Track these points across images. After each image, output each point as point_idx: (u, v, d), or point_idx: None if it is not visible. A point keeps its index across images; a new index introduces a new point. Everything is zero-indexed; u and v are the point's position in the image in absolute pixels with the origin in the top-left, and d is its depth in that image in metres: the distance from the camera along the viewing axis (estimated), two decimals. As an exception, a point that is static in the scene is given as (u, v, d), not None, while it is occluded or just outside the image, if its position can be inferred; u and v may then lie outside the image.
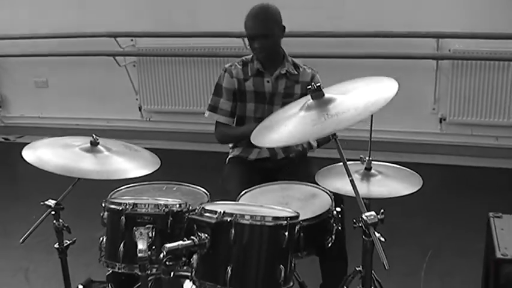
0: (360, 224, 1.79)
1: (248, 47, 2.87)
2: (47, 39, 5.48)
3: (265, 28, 2.68)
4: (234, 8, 4.91)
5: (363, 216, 1.72)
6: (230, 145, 3.02)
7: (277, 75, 2.82)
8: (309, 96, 1.90)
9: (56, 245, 2.32)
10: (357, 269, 2.23)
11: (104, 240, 2.07)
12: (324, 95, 1.87)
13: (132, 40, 5.44)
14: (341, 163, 1.82)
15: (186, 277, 2.00)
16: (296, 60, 2.89)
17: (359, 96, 1.88)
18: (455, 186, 4.47)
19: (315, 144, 2.76)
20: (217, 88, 2.91)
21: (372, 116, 2.02)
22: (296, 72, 2.84)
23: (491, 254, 2.11)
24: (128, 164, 2.30)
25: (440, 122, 4.94)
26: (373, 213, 1.72)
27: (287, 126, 1.88)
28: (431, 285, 3.07)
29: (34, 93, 5.94)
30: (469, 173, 4.71)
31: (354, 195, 1.79)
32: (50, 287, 3.13)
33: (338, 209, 2.27)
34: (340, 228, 2.32)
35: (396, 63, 4.56)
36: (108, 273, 2.46)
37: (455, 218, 3.81)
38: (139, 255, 1.76)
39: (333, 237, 2.27)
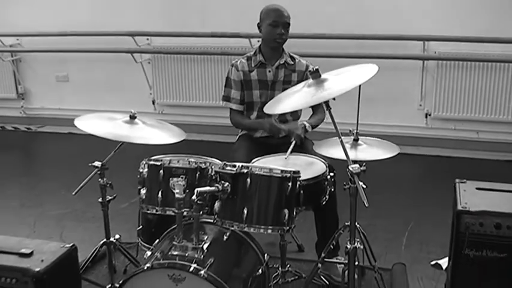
0: (348, 185, 2.33)
1: (254, 46, 3.39)
2: (69, 37, 5.95)
3: (288, 18, 3.28)
4: (240, 12, 5.50)
5: (349, 167, 2.22)
6: None
7: (277, 65, 3.35)
8: (309, 80, 2.42)
9: (100, 199, 2.83)
10: (346, 223, 2.77)
11: (144, 191, 2.57)
12: (320, 75, 2.39)
13: (147, 39, 5.94)
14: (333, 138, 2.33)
15: (210, 223, 2.50)
16: (292, 53, 3.42)
17: (347, 76, 2.40)
18: (439, 173, 4.95)
19: (309, 128, 3.27)
20: (227, 81, 3.44)
21: (359, 93, 2.56)
22: (292, 63, 3.38)
23: (455, 207, 2.62)
24: (160, 133, 2.82)
25: (426, 117, 5.44)
26: (357, 165, 2.22)
27: (294, 98, 2.40)
28: (411, 248, 3.57)
29: (55, 86, 6.42)
30: (451, 163, 5.22)
31: (345, 159, 2.30)
32: (84, 245, 3.63)
33: (331, 174, 2.80)
34: (332, 190, 2.85)
35: (386, 63, 4.94)
36: (138, 228, 2.99)
37: (436, 198, 4.28)
38: (177, 196, 2.26)
39: (327, 196, 2.80)
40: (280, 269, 2.98)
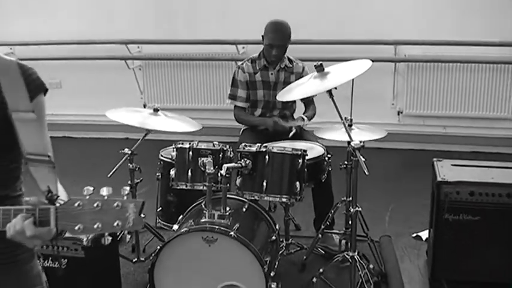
0: (345, 165, 2.80)
1: (241, 53, 3.80)
2: (64, 45, 6.29)
3: (282, 40, 3.65)
4: (227, 19, 5.93)
5: (352, 143, 2.69)
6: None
7: (278, 68, 3.78)
8: (314, 72, 2.89)
9: (129, 182, 3.23)
10: (342, 199, 3.24)
11: (173, 171, 2.98)
12: (324, 69, 2.86)
13: (138, 47, 6.33)
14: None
15: (230, 198, 2.92)
16: (290, 56, 3.87)
17: (345, 69, 2.87)
18: (412, 164, 5.47)
19: (306, 120, 3.72)
20: (234, 81, 3.84)
21: (352, 87, 3.03)
22: (291, 65, 3.82)
23: (435, 180, 3.11)
24: (180, 123, 3.25)
25: (398, 114, 5.96)
26: (358, 141, 2.69)
27: (303, 87, 2.87)
28: (394, 224, 4.05)
29: (48, 93, 6.71)
30: (422, 155, 5.74)
31: (342, 144, 2.77)
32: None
33: (329, 155, 3.26)
34: (330, 169, 3.32)
35: (362, 65, 5.55)
36: (158, 209, 3.39)
37: (412, 184, 4.79)
38: (208, 172, 2.68)
39: (326, 174, 3.26)
40: (284, 241, 3.42)
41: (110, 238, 1.40)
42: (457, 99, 5.77)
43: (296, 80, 3.71)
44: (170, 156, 3.12)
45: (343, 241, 3.47)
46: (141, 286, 3.23)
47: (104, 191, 1.30)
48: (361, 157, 2.66)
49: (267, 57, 3.73)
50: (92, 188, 1.30)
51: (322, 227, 3.38)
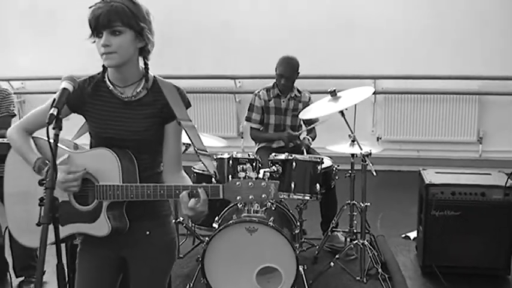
0: (349, 173, 3.52)
1: (238, 87, 4.54)
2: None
3: (289, 73, 4.34)
4: (225, 57, 6.65)
5: (362, 151, 3.40)
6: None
7: (289, 97, 4.48)
8: (329, 96, 3.62)
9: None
10: (347, 202, 3.93)
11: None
12: (336, 94, 3.59)
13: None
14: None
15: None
16: (298, 87, 4.58)
17: (352, 94, 3.61)
18: (392, 183, 6.23)
19: (311, 141, 4.43)
20: (250, 106, 4.51)
21: (355, 108, 3.76)
22: (299, 95, 4.52)
23: (422, 183, 3.84)
24: (206, 138, 3.91)
25: (377, 140, 6.75)
26: (367, 150, 3.40)
27: (321, 108, 3.59)
28: (385, 228, 4.75)
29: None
30: (399, 175, 6.52)
31: (348, 154, 3.50)
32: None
33: (337, 166, 3.96)
34: (337, 178, 4.02)
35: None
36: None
37: (394, 199, 5.54)
38: (251, 175, 3.32)
39: (334, 182, 3.96)
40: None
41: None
42: (429, 126, 6.61)
43: (303, 107, 4.39)
44: (202, 170, 3.78)
45: (348, 238, 4.15)
46: (188, 276, 3.82)
47: (253, 174, 1.95)
48: (370, 163, 3.37)
49: (278, 85, 4.42)
50: (243, 174, 1.93)
51: (332, 225, 4.05)
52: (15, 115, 3.63)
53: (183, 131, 2.09)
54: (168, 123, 2.07)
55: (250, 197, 1.89)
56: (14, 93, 7.09)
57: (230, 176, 3.58)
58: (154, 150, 2.10)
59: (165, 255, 2.18)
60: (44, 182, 1.78)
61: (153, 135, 2.06)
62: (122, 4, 1.92)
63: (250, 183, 1.88)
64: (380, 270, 3.57)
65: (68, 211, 2.01)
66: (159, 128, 2.06)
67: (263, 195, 1.88)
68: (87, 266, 2.14)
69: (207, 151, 2.09)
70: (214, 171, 2.06)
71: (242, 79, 6.74)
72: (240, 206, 3.51)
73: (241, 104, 6.77)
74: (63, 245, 2.18)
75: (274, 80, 4.47)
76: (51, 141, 1.73)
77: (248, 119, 4.52)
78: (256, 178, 1.92)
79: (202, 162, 2.09)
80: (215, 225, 3.53)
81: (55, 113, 1.75)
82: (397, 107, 6.65)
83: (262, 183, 1.88)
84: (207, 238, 3.32)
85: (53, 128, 1.75)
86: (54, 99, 1.83)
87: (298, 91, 4.52)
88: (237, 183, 1.89)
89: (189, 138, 2.05)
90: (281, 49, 4.50)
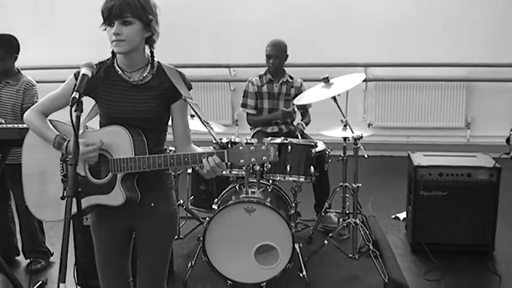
0: (341, 157, 3.70)
1: (232, 75, 4.80)
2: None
3: (277, 52, 4.53)
4: (220, 47, 6.81)
5: (353, 135, 3.58)
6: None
7: (281, 82, 4.66)
8: (322, 83, 3.79)
9: (172, 172, 4.02)
10: (340, 184, 4.12)
11: (220, 146, 3.79)
12: (329, 80, 3.76)
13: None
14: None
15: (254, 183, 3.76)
16: (290, 73, 4.75)
17: (344, 80, 3.79)
18: (383, 168, 6.43)
19: (304, 126, 4.61)
20: (245, 93, 4.68)
21: (347, 95, 3.94)
22: (291, 81, 4.70)
23: (411, 165, 4.04)
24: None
25: (369, 126, 6.92)
26: (359, 133, 3.58)
27: (315, 94, 3.77)
28: (376, 210, 4.94)
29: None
30: (390, 160, 6.72)
31: (340, 140, 3.69)
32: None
33: (329, 150, 4.15)
34: (330, 161, 4.20)
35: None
36: (191, 197, 4.19)
37: (384, 182, 5.75)
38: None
39: (327, 165, 4.15)
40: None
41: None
42: (419, 112, 6.81)
43: (295, 93, 4.57)
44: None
45: (341, 219, 4.34)
46: (188, 255, 4.01)
47: (255, 141, 2.13)
48: (362, 146, 3.56)
49: (268, 68, 4.59)
50: (245, 140, 2.12)
51: (325, 206, 4.24)
52: None
53: (188, 108, 2.31)
54: (174, 103, 2.28)
55: (252, 160, 2.09)
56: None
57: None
58: (159, 129, 2.30)
59: (169, 225, 2.39)
60: (67, 158, 1.95)
61: (159, 115, 2.26)
62: None
63: (251, 148, 2.08)
64: (371, 247, 3.76)
65: (85, 185, 2.20)
66: (164, 108, 2.27)
67: (263, 158, 2.08)
68: (103, 238, 2.33)
69: (209, 123, 2.29)
70: (220, 139, 2.22)
71: (236, 67, 6.90)
72: (237, 187, 3.70)
73: (235, 92, 6.94)
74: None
75: (267, 67, 4.64)
76: (76, 114, 1.94)
77: (244, 105, 4.68)
78: (256, 143, 2.14)
79: (209, 131, 2.28)
80: (214, 206, 3.71)
81: (77, 97, 1.93)
82: (387, 94, 6.85)
83: (263, 147, 2.08)
84: (207, 218, 3.50)
85: (75, 111, 1.92)
86: (75, 85, 2.00)
87: (290, 77, 4.68)
88: (240, 148, 2.10)
89: (195, 112, 2.27)
90: (274, 37, 4.67)
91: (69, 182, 1.85)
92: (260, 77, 4.68)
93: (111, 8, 2.09)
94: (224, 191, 3.87)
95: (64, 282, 1.73)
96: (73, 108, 1.94)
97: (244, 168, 3.58)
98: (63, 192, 1.88)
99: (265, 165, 3.61)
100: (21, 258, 4.01)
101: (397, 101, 6.87)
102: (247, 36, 6.73)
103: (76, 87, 1.99)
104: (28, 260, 3.89)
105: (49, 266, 3.95)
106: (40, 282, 3.63)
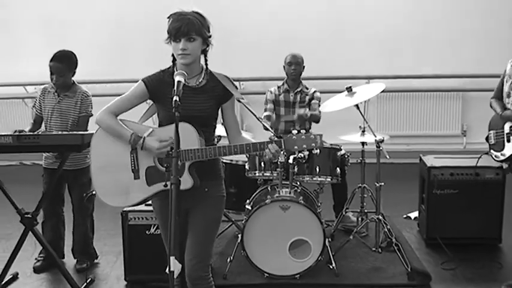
0: (360, 160, 4.08)
1: (242, 88, 5.33)
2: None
3: (297, 59, 4.89)
4: (229, 61, 7.14)
5: (376, 138, 3.96)
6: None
7: (296, 91, 5.01)
8: (345, 92, 4.17)
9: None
10: (359, 185, 4.48)
11: (248, 165, 4.13)
12: (352, 89, 4.14)
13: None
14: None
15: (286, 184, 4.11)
16: (305, 83, 5.11)
17: (365, 90, 4.17)
18: (387, 174, 6.67)
19: (308, 114, 4.90)
20: (265, 100, 5.04)
21: (366, 104, 4.31)
22: (306, 90, 5.06)
23: (424, 166, 4.42)
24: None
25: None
26: (381, 137, 3.96)
27: (338, 102, 4.14)
28: (387, 210, 5.26)
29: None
30: (392, 167, 7.06)
31: (357, 144, 4.09)
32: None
33: (348, 154, 4.51)
34: (349, 164, 4.56)
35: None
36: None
37: (391, 186, 6.03)
38: (281, 160, 3.85)
39: (347, 168, 4.51)
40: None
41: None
42: (417, 121, 7.26)
43: (309, 100, 4.90)
44: (230, 160, 4.31)
45: (360, 218, 4.70)
46: (222, 253, 4.31)
47: (304, 131, 2.49)
48: (384, 147, 3.94)
49: (288, 74, 4.92)
50: (296, 131, 2.49)
51: (346, 207, 4.60)
52: (92, 115, 4.00)
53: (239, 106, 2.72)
54: (225, 103, 2.68)
55: (304, 146, 2.51)
56: (29, 98, 7.60)
57: (262, 164, 4.11)
58: (212, 125, 2.71)
59: (218, 208, 2.76)
60: (171, 153, 2.30)
61: (212, 113, 2.67)
62: (195, 18, 2.57)
63: (303, 136, 2.50)
64: (394, 240, 4.12)
65: (156, 173, 2.60)
66: (216, 108, 2.67)
67: (312, 144, 2.51)
68: (166, 218, 2.62)
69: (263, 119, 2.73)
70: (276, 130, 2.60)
71: (245, 81, 7.27)
72: (269, 188, 4.04)
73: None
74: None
75: (285, 79, 5.00)
76: (177, 114, 2.30)
77: (264, 110, 5.00)
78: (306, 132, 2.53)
79: (263, 124, 2.68)
80: (248, 206, 4.04)
81: (177, 100, 2.31)
82: (388, 105, 7.29)
83: (311, 136, 2.50)
84: (244, 217, 3.84)
85: (174, 112, 2.27)
86: (173, 90, 2.40)
87: (306, 88, 5.03)
88: (294, 137, 2.50)
89: (250, 110, 2.70)
90: (282, 53, 5.05)
91: (173, 171, 2.20)
92: (278, 86, 5.03)
93: (179, 28, 2.51)
94: (256, 193, 4.21)
95: (174, 256, 2.07)
96: (173, 110, 2.31)
97: (285, 161, 3.93)
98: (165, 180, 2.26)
99: (313, 151, 3.94)
100: (65, 259, 4.30)
101: (397, 111, 7.32)
102: (255, 51, 7.11)
103: (175, 92, 2.37)
104: (75, 260, 4.19)
105: (93, 266, 4.24)
106: (89, 279, 3.92)
